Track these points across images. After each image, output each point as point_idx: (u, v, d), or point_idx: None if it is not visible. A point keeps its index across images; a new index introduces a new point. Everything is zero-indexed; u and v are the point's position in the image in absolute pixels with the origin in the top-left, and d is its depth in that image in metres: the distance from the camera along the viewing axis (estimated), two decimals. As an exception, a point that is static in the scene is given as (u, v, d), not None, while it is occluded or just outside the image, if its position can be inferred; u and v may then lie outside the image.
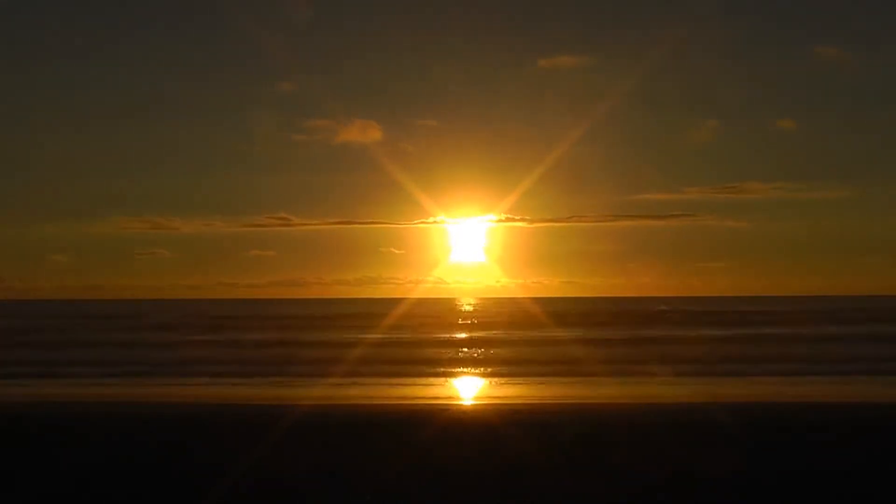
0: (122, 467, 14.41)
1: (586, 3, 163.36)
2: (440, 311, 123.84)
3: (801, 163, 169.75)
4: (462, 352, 51.36)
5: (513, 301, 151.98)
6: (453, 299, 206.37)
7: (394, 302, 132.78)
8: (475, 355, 48.47)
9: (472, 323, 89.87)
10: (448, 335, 69.32)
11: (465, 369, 39.96)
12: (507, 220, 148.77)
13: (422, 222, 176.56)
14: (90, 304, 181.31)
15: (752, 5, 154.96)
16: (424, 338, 63.82)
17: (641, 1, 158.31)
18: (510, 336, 66.50)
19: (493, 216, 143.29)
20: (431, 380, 35.28)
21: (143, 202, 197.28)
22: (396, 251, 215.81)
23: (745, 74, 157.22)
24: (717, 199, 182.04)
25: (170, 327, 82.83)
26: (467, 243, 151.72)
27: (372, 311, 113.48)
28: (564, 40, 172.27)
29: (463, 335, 69.39)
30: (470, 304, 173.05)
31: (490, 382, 34.05)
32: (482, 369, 39.68)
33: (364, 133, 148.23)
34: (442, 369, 39.95)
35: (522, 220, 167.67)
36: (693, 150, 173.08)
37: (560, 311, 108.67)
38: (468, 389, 32.16)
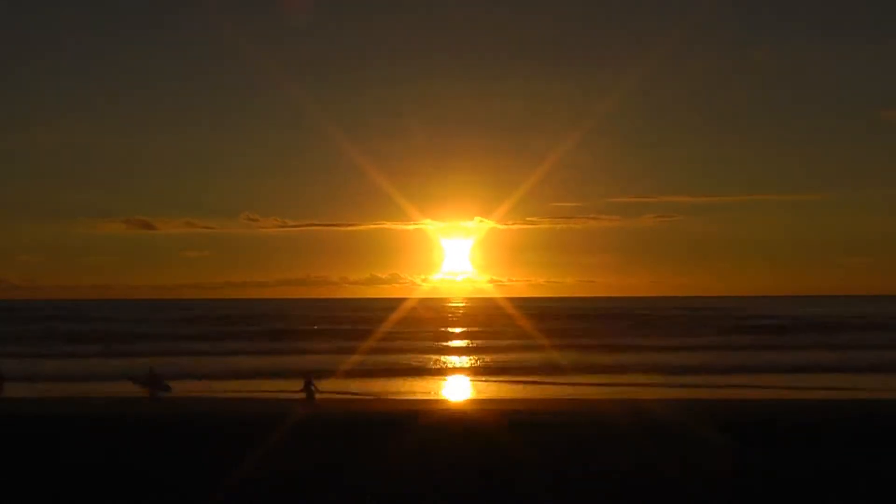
0: (122, 466, 14.49)
1: (579, 18, 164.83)
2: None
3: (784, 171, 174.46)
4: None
5: (507, 301, 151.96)
6: (448, 299, 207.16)
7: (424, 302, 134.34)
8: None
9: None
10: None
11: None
12: (481, 222, 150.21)
13: (412, 226, 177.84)
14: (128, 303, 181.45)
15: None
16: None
17: (632, 13, 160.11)
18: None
19: (479, 220, 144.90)
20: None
21: (139, 203, 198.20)
22: (392, 253, 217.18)
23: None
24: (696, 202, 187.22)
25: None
26: (458, 246, 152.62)
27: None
28: (557, 51, 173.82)
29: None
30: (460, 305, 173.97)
31: (500, 382, 34.27)
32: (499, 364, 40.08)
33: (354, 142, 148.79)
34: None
35: (509, 223, 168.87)
36: (679, 157, 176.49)
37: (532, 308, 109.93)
38: (476, 389, 32.40)
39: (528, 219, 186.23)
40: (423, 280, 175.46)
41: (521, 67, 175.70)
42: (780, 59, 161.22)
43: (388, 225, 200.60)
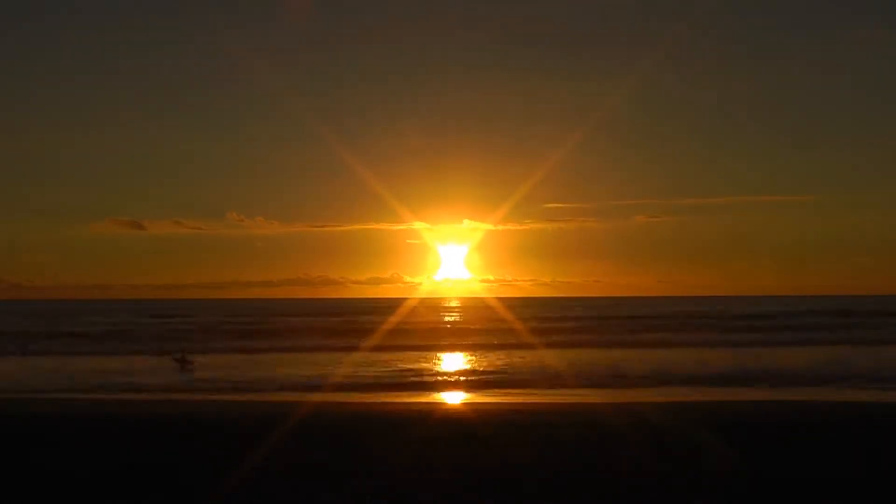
0: (122, 469, 14.56)
1: (580, 26, 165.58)
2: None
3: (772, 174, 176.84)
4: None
5: (501, 300, 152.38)
6: (445, 299, 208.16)
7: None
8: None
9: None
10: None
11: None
12: (472, 224, 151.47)
13: (404, 226, 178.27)
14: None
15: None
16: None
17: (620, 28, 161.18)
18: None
19: (468, 222, 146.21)
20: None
21: (124, 204, 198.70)
22: (386, 254, 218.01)
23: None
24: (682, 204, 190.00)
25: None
26: (455, 248, 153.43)
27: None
28: (550, 60, 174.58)
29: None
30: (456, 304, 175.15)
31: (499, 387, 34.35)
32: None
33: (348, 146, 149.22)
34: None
35: (501, 225, 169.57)
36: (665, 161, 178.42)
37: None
38: (476, 392, 32.47)
39: (523, 221, 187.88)
40: (428, 280, 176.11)
41: (517, 68, 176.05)
42: (780, 60, 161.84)
43: (377, 226, 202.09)
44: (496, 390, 31.76)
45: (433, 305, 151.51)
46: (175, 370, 40.17)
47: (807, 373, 36.98)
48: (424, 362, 43.27)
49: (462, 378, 36.74)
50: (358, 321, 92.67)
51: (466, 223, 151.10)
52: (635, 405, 24.62)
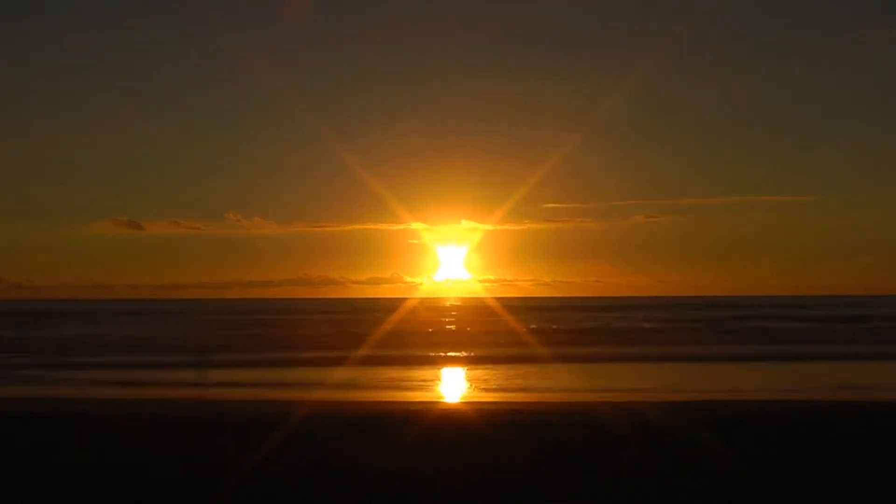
0: (122, 469, 14.56)
1: (579, 26, 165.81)
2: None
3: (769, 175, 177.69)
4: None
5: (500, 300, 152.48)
6: (444, 298, 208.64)
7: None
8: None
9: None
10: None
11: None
12: (470, 224, 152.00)
13: (402, 226, 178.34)
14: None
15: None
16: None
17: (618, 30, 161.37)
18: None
19: (465, 222, 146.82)
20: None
21: (121, 204, 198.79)
22: (384, 255, 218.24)
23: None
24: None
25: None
26: (454, 248, 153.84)
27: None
28: (549, 60, 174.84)
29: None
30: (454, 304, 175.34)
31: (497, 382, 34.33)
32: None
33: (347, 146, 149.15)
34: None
35: (500, 225, 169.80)
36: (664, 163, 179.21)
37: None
38: (470, 389, 32.46)
39: (522, 221, 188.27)
40: (428, 280, 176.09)
41: (517, 68, 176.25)
42: (780, 60, 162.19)
43: (377, 226, 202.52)
44: (497, 392, 31.73)
45: (435, 306, 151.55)
46: (188, 371, 40.12)
47: None
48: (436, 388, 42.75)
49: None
50: (360, 322, 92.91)
51: (464, 223, 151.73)
52: (635, 405, 24.58)
